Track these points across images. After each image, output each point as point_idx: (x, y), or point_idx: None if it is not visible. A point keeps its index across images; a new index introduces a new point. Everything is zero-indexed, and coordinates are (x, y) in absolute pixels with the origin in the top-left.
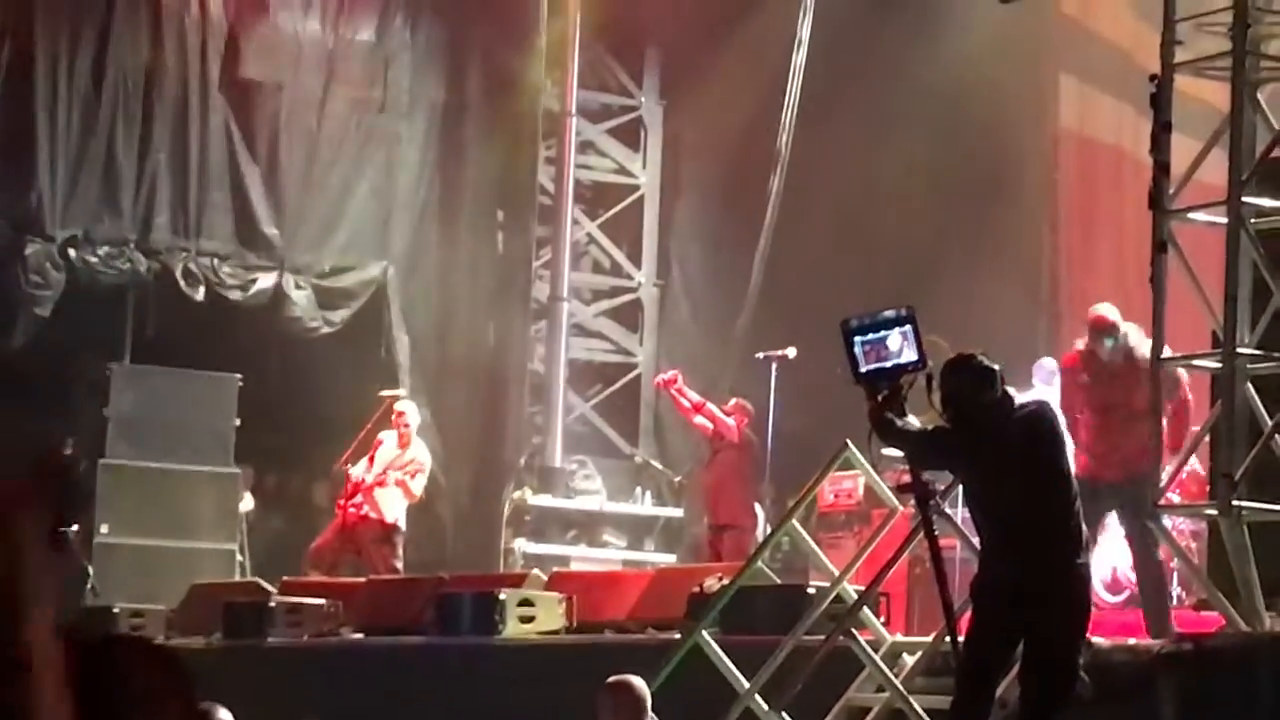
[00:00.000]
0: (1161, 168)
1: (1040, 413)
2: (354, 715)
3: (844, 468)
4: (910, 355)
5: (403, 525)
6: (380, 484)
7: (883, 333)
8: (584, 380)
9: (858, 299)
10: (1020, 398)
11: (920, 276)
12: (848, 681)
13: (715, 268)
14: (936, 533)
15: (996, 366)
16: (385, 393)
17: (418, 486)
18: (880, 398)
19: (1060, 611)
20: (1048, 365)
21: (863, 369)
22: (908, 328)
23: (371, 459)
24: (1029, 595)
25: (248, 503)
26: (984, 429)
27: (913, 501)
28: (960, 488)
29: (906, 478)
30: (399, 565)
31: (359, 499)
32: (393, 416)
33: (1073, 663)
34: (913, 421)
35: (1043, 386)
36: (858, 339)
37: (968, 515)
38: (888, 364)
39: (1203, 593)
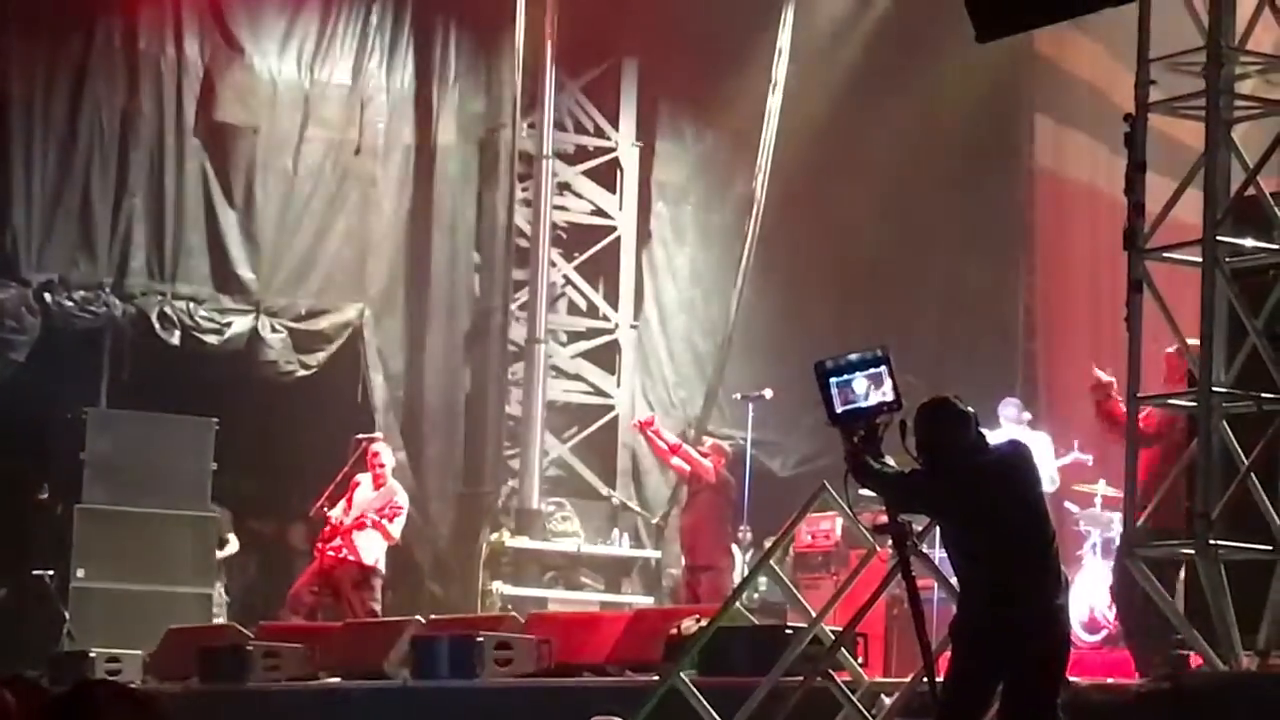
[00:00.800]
0: (1136, 207)
1: (1016, 453)
2: None
3: (821, 509)
4: (886, 396)
5: (381, 567)
6: (358, 526)
7: (857, 374)
8: (561, 422)
9: (834, 340)
10: (991, 437)
11: (896, 316)
12: None
13: (692, 308)
14: (914, 574)
15: (971, 409)
16: (361, 436)
17: (396, 529)
18: (856, 439)
19: (1040, 652)
20: (1015, 404)
21: (838, 410)
22: (882, 368)
23: (349, 502)
24: (1009, 636)
25: (233, 545)
26: (960, 472)
27: (890, 542)
28: (937, 529)
29: (883, 519)
30: (377, 608)
31: (337, 542)
32: (368, 458)
33: (1052, 703)
34: (890, 463)
35: (1010, 426)
36: (833, 380)
37: (944, 556)
38: (863, 405)
39: (1180, 632)
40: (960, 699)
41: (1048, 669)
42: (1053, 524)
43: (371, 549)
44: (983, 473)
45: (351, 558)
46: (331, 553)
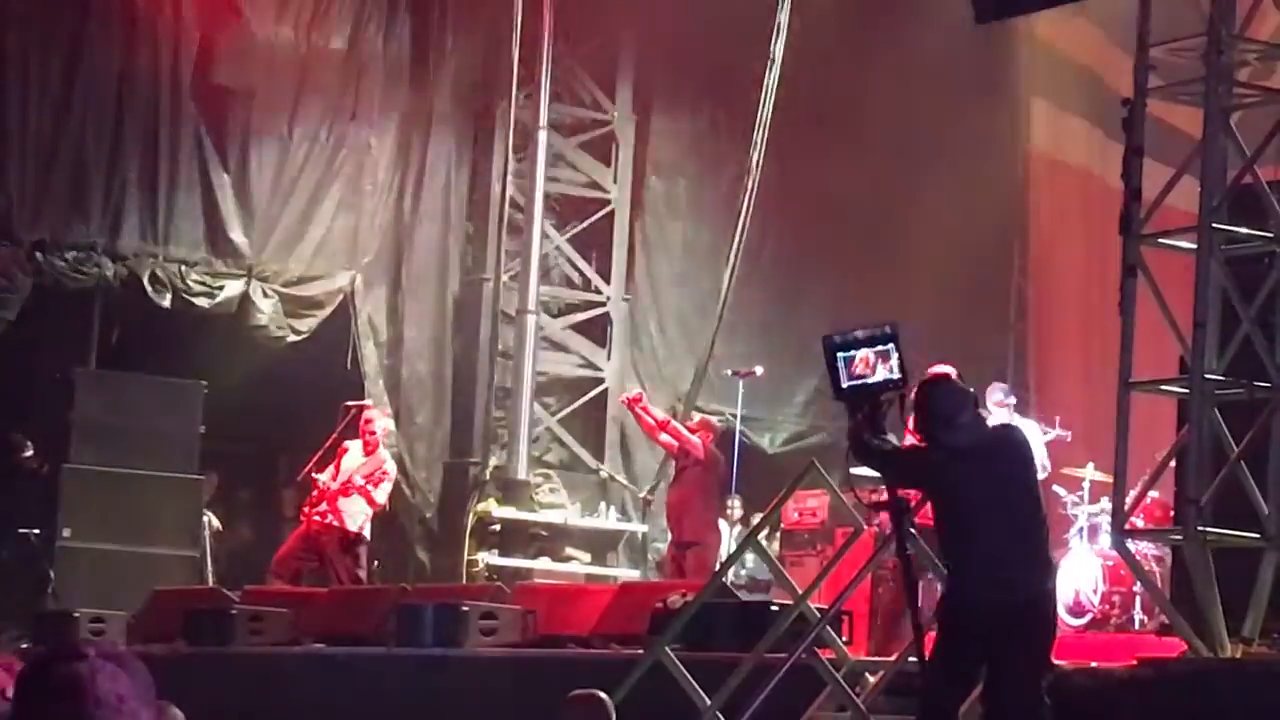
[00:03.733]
0: (1133, 192)
1: (1012, 436)
2: None
3: (809, 486)
4: (892, 373)
5: (366, 534)
6: (344, 493)
7: (865, 349)
8: (551, 394)
9: (826, 318)
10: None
11: (889, 294)
12: (809, 700)
13: (684, 283)
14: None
15: (971, 389)
16: (350, 403)
17: (381, 495)
18: (860, 415)
19: (1026, 633)
20: (1001, 388)
21: (844, 385)
22: (890, 346)
23: (337, 467)
24: (995, 616)
25: (214, 523)
26: (956, 448)
27: (883, 519)
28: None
29: (874, 497)
30: (362, 575)
31: (323, 507)
32: (360, 424)
33: (1038, 685)
34: (891, 440)
35: (997, 410)
36: (840, 355)
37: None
38: (869, 381)
39: (1166, 618)
40: (945, 677)
41: (1033, 650)
42: (1044, 509)
43: (356, 515)
44: (978, 451)
45: (336, 523)
46: (317, 518)
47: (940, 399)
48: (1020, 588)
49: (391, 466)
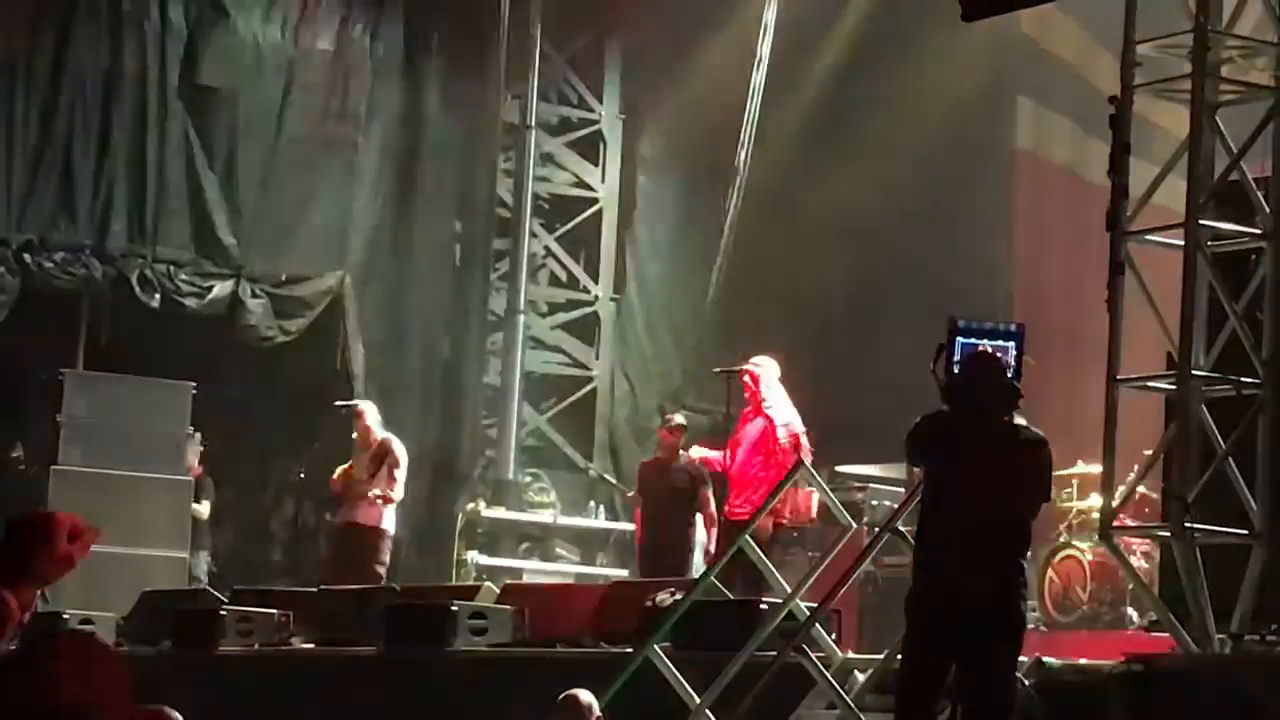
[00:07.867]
0: (1120, 189)
1: (1037, 442)
2: None
3: (799, 485)
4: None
5: (391, 529)
6: (360, 494)
7: (985, 340)
8: (540, 393)
9: (814, 315)
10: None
11: (876, 293)
12: (799, 698)
13: (673, 282)
14: (886, 556)
15: (1014, 392)
16: (340, 403)
17: (398, 491)
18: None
19: (999, 616)
20: None
21: (954, 370)
22: (1010, 344)
23: (349, 470)
24: (969, 602)
25: (202, 511)
26: (967, 427)
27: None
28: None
29: (859, 495)
30: (382, 570)
31: (342, 508)
32: (356, 422)
33: (1005, 673)
34: None
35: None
36: (959, 340)
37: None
38: None
39: (1154, 614)
40: (913, 669)
41: (1005, 634)
42: (1030, 522)
43: (378, 511)
44: (991, 434)
45: (360, 521)
46: (340, 521)
47: (969, 366)
48: (991, 573)
49: (400, 450)
